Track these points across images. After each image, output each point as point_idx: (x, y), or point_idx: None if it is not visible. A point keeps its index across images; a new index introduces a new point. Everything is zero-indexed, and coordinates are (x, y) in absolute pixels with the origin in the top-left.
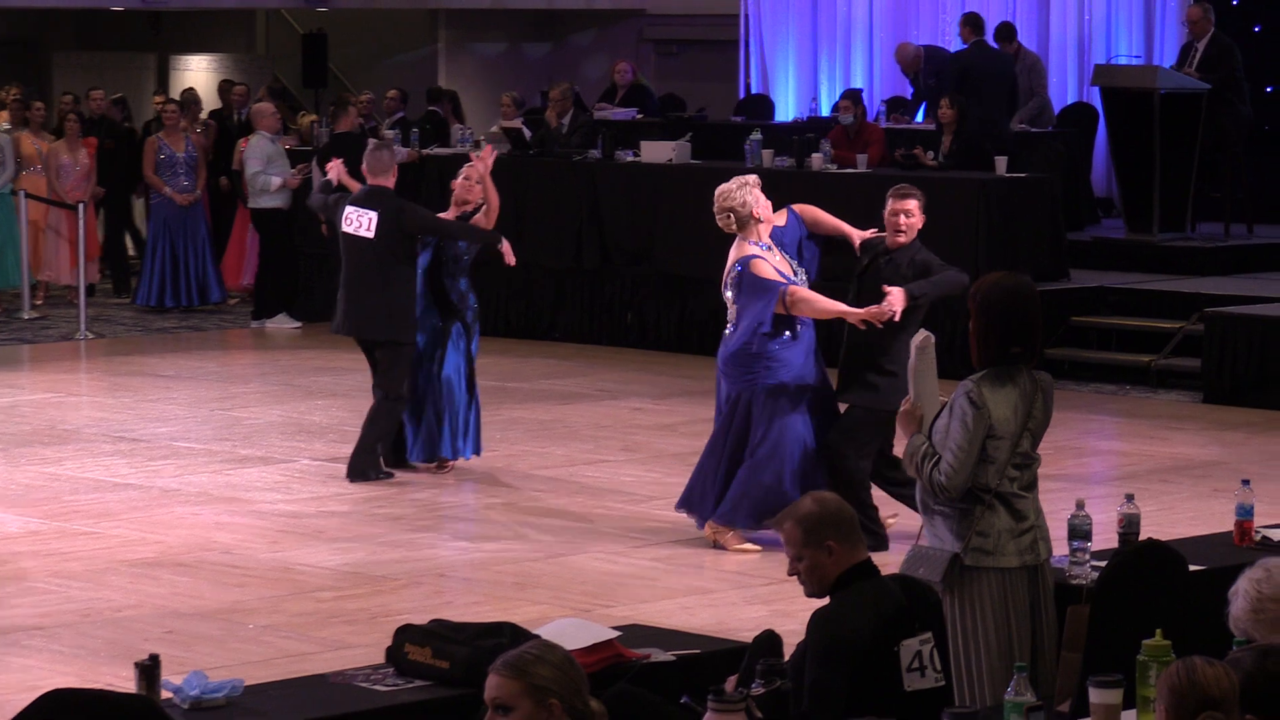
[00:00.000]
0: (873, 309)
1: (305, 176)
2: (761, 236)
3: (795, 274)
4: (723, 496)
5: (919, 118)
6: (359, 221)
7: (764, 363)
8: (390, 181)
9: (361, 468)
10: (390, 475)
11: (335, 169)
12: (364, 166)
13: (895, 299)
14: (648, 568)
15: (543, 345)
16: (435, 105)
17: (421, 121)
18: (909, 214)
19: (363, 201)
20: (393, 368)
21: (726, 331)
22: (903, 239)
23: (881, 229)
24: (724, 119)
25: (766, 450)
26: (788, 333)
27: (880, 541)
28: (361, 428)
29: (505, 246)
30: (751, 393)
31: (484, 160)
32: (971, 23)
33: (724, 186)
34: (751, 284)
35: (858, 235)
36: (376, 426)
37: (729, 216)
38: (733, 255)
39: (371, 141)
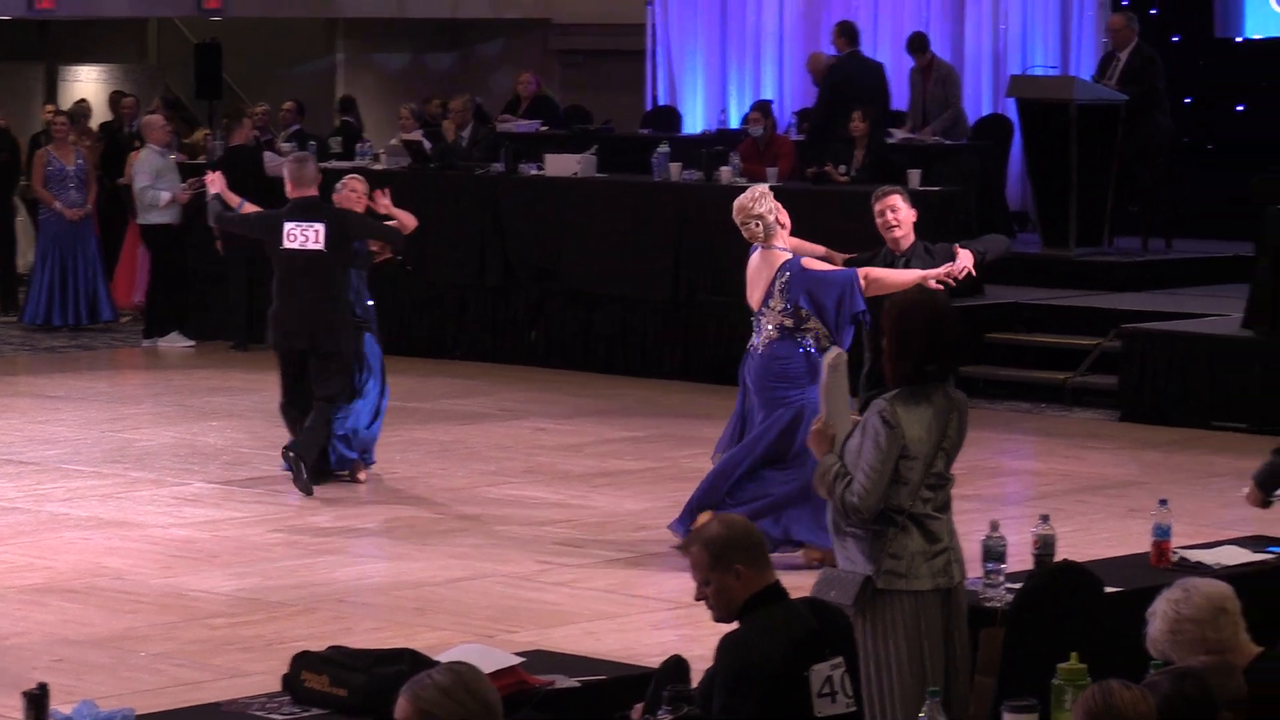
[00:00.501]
0: (947, 266)
1: (196, 191)
2: (786, 243)
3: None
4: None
5: None
6: (304, 235)
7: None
8: (316, 191)
9: (320, 470)
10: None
11: (216, 181)
12: (289, 179)
13: (965, 257)
14: (552, 592)
15: (444, 364)
16: (349, 115)
17: (336, 132)
18: (894, 209)
19: (301, 215)
20: (337, 375)
21: (757, 346)
22: (898, 234)
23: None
24: (631, 131)
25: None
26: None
27: None
28: (305, 437)
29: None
30: (801, 409)
31: (383, 204)
32: (846, 33)
33: (743, 198)
34: (815, 282)
35: (839, 257)
36: (324, 430)
37: (757, 224)
38: (765, 264)
39: (293, 155)
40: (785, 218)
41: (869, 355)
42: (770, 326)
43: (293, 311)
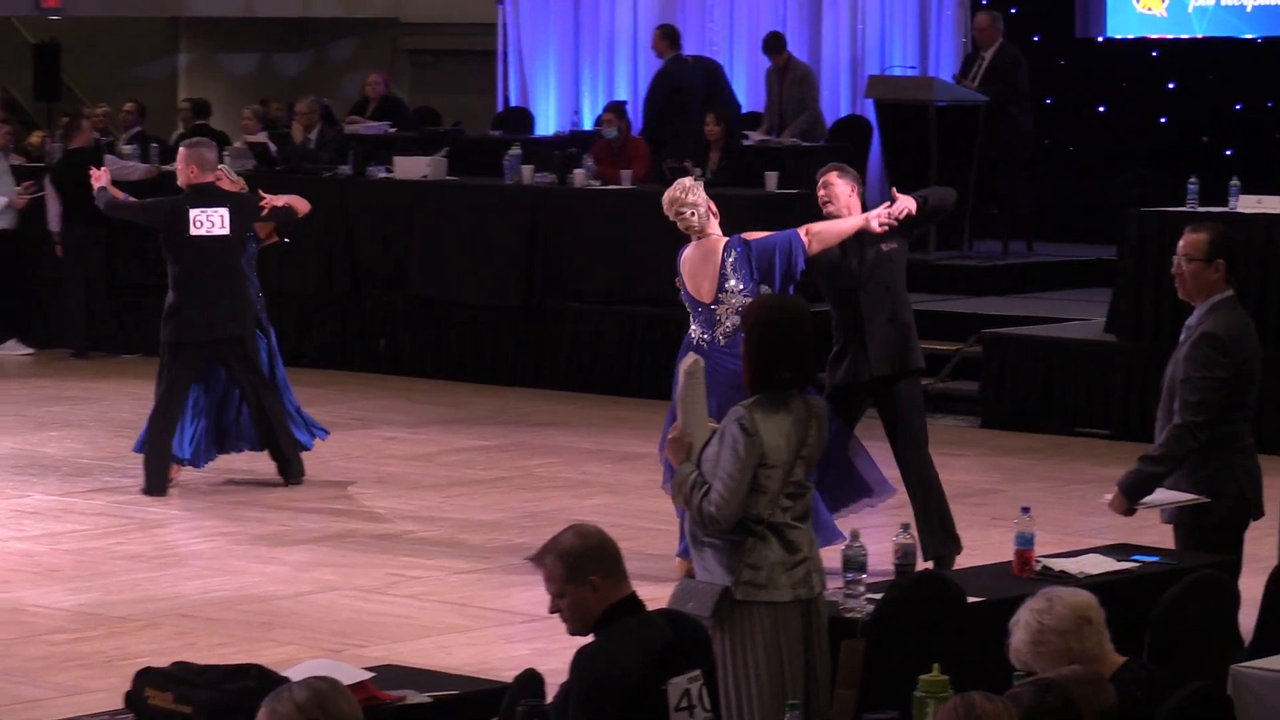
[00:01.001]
0: (886, 206)
1: (33, 195)
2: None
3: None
4: None
5: None
6: (209, 221)
7: None
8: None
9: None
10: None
11: (102, 176)
12: (192, 165)
13: (905, 200)
14: (403, 605)
15: (292, 372)
16: (202, 118)
17: (192, 133)
18: (827, 185)
19: (204, 200)
20: (254, 356)
21: (717, 340)
22: (832, 209)
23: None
24: (482, 133)
25: None
26: None
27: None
28: (264, 428)
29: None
30: None
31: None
32: (669, 35)
33: (673, 190)
34: (758, 248)
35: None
36: (279, 413)
37: (692, 212)
38: (705, 252)
39: (192, 140)
40: (714, 206)
41: (839, 335)
42: (732, 314)
43: (204, 301)
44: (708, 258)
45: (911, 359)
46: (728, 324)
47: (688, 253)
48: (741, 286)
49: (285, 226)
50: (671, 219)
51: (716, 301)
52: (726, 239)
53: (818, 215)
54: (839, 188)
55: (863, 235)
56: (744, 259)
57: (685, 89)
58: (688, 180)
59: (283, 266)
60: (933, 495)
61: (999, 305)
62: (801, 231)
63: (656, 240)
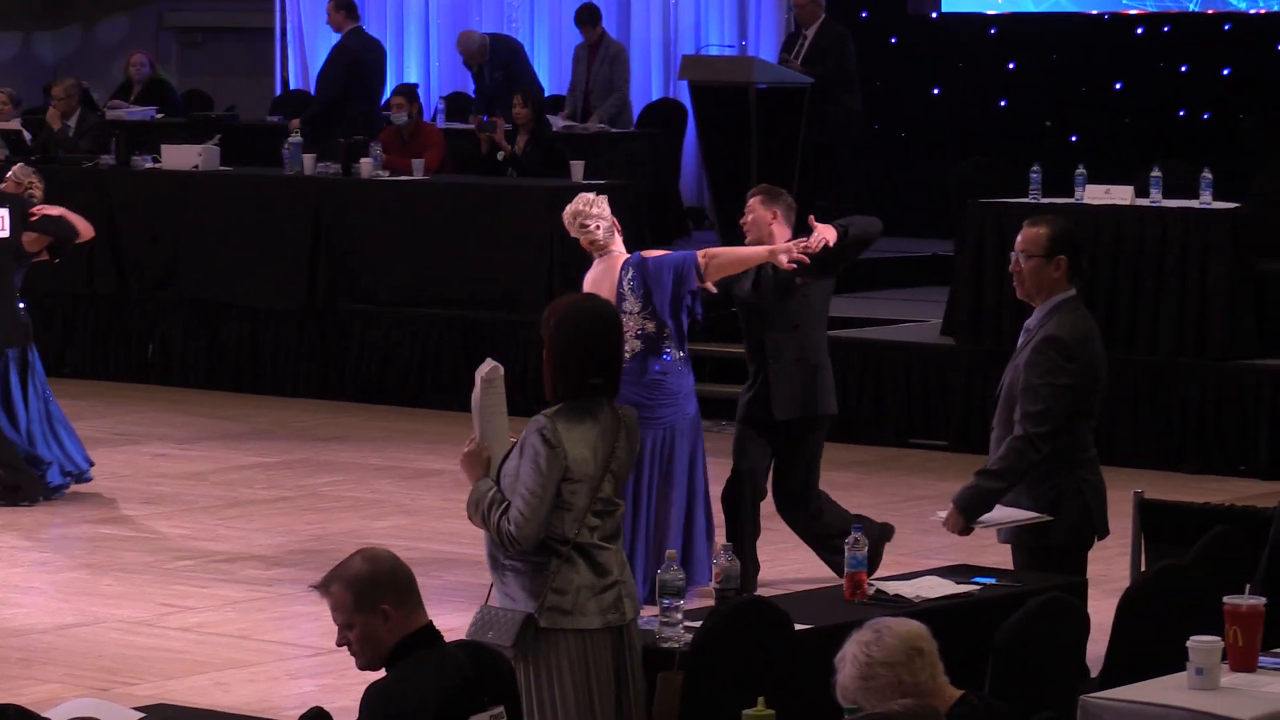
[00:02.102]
0: (800, 240)
1: None
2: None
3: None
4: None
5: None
6: None
7: (683, 388)
8: None
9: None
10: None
11: None
12: None
13: (823, 229)
14: (177, 639)
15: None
16: None
17: None
18: (749, 208)
19: None
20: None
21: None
22: (750, 237)
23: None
24: (258, 118)
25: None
26: (680, 352)
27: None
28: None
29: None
30: (674, 428)
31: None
32: (344, 6)
33: (576, 203)
34: (654, 267)
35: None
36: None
37: (596, 226)
38: (607, 270)
39: None
40: (618, 223)
41: (749, 368)
42: (631, 337)
43: None
44: (607, 276)
45: (816, 405)
46: (626, 347)
47: (591, 272)
48: (639, 308)
49: (60, 245)
50: (574, 234)
51: None
52: (626, 256)
53: (625, 208)
54: (759, 214)
55: (775, 267)
56: (640, 278)
57: (364, 65)
58: (590, 194)
59: (41, 265)
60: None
61: None
62: (700, 255)
63: (453, 237)
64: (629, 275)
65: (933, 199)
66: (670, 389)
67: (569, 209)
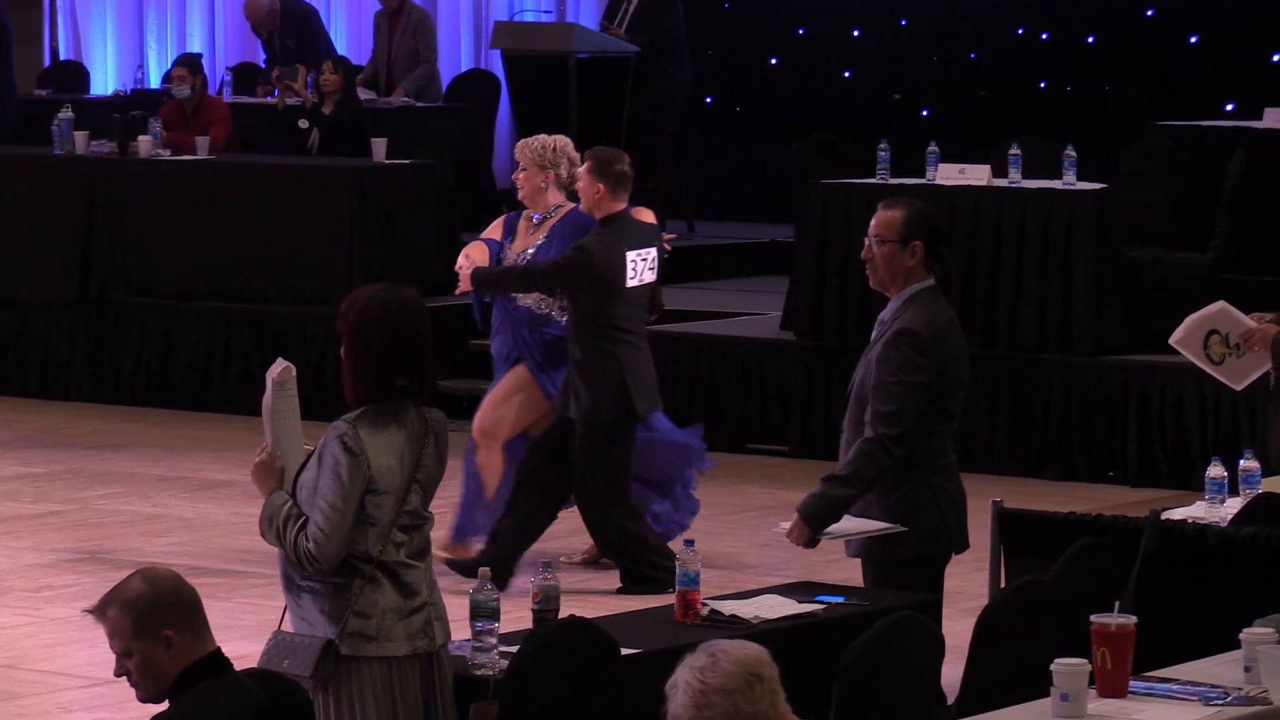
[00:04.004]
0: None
1: None
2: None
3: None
4: None
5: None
6: None
7: None
8: None
9: None
10: None
11: None
12: None
13: (465, 276)
14: None
15: None
16: None
17: None
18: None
19: None
20: None
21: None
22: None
23: None
24: (25, 93)
25: None
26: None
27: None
28: None
29: None
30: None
31: None
32: None
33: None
34: None
35: None
36: None
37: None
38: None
39: None
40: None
41: None
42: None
43: None
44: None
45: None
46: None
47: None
48: None
49: None
50: (560, 170)
51: None
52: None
53: (434, 189)
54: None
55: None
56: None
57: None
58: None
59: None
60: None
61: None
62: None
63: (242, 222)
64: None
65: (770, 179)
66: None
67: (556, 143)
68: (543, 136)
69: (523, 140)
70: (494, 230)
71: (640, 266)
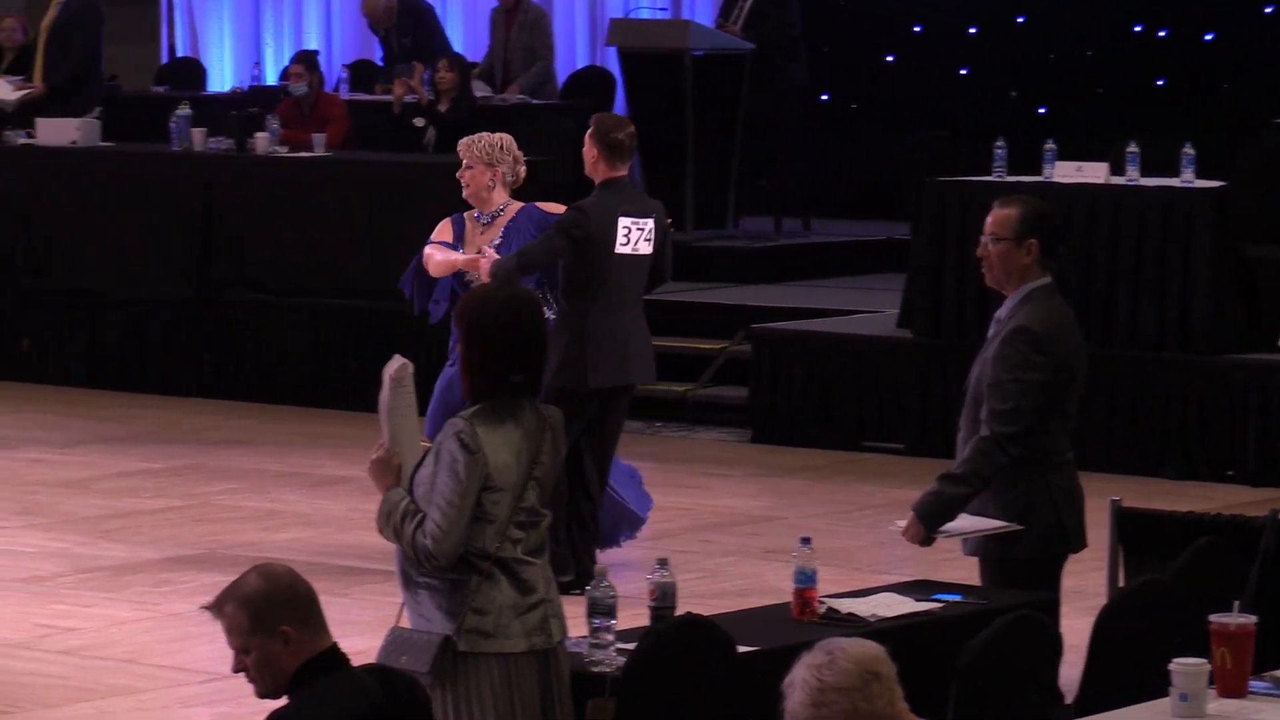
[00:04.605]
0: (474, 257)
1: None
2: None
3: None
4: None
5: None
6: None
7: None
8: None
9: None
10: None
11: None
12: None
13: (484, 266)
14: (57, 664)
15: None
16: None
17: None
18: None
19: None
20: None
21: None
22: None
23: None
24: (143, 89)
25: None
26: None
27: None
28: None
29: None
30: None
31: None
32: None
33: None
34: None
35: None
36: None
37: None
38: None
39: None
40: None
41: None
42: None
43: None
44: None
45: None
46: None
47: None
48: None
49: None
50: (503, 168)
51: None
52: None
53: (548, 187)
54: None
55: None
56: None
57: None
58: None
59: None
60: None
61: (770, 295)
62: (425, 253)
63: (358, 220)
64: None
65: (886, 177)
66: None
67: (503, 141)
68: (488, 134)
69: (468, 138)
70: (443, 233)
71: (635, 235)
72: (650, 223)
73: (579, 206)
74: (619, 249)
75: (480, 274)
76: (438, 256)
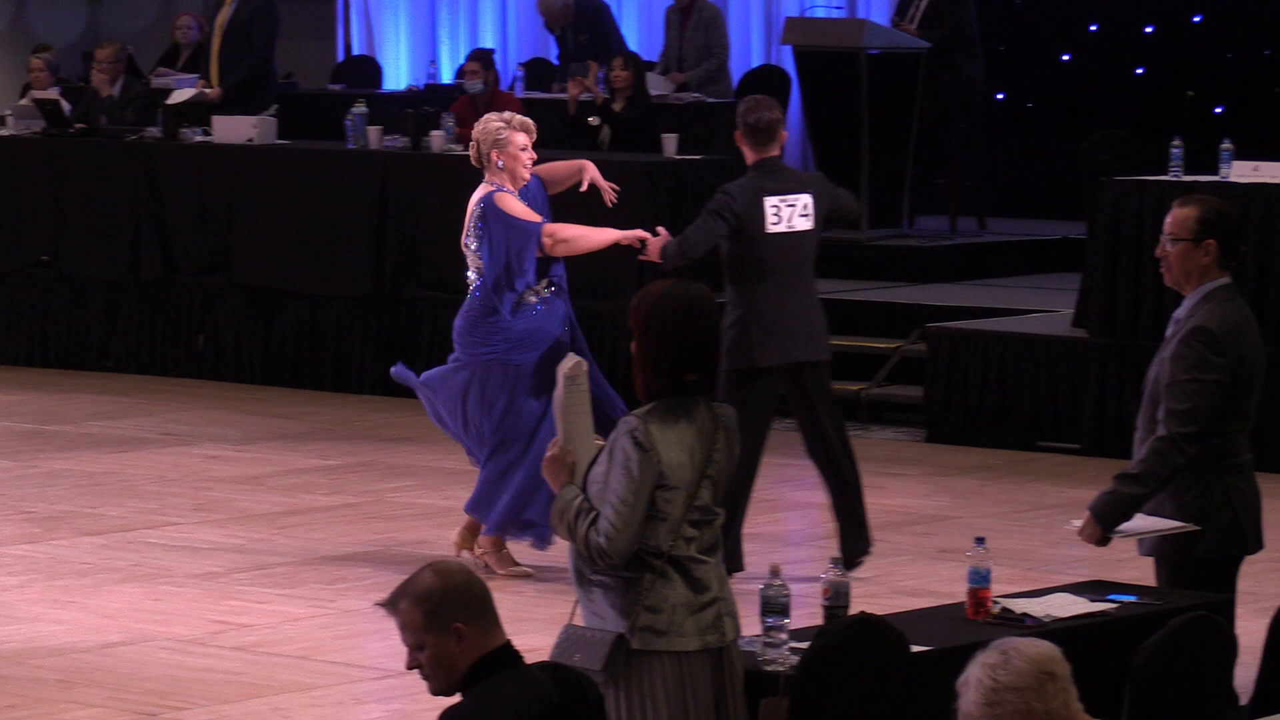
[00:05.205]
0: (644, 234)
1: None
2: (506, 184)
3: None
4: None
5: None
6: None
7: (504, 336)
8: None
9: None
10: None
11: None
12: None
13: (655, 246)
14: (231, 659)
15: (92, 377)
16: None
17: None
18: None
19: None
20: None
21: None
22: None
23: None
24: (319, 87)
25: (519, 444)
26: (535, 300)
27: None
28: None
29: None
30: (485, 370)
31: None
32: None
33: (490, 114)
34: (499, 222)
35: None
36: None
37: (474, 145)
38: (473, 200)
39: None
40: (510, 158)
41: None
42: (472, 272)
43: None
44: (471, 202)
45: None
46: (469, 280)
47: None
48: (475, 247)
49: None
50: (487, 148)
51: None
52: (484, 194)
53: (713, 183)
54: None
55: None
56: (484, 225)
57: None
58: (509, 117)
59: (81, 249)
60: None
61: (946, 294)
62: (547, 231)
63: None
64: (477, 213)
65: (1062, 176)
66: (467, 325)
67: (501, 116)
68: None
69: (508, 114)
70: (529, 211)
71: (786, 212)
72: (805, 198)
73: (725, 189)
74: (770, 228)
75: (650, 254)
76: (590, 234)
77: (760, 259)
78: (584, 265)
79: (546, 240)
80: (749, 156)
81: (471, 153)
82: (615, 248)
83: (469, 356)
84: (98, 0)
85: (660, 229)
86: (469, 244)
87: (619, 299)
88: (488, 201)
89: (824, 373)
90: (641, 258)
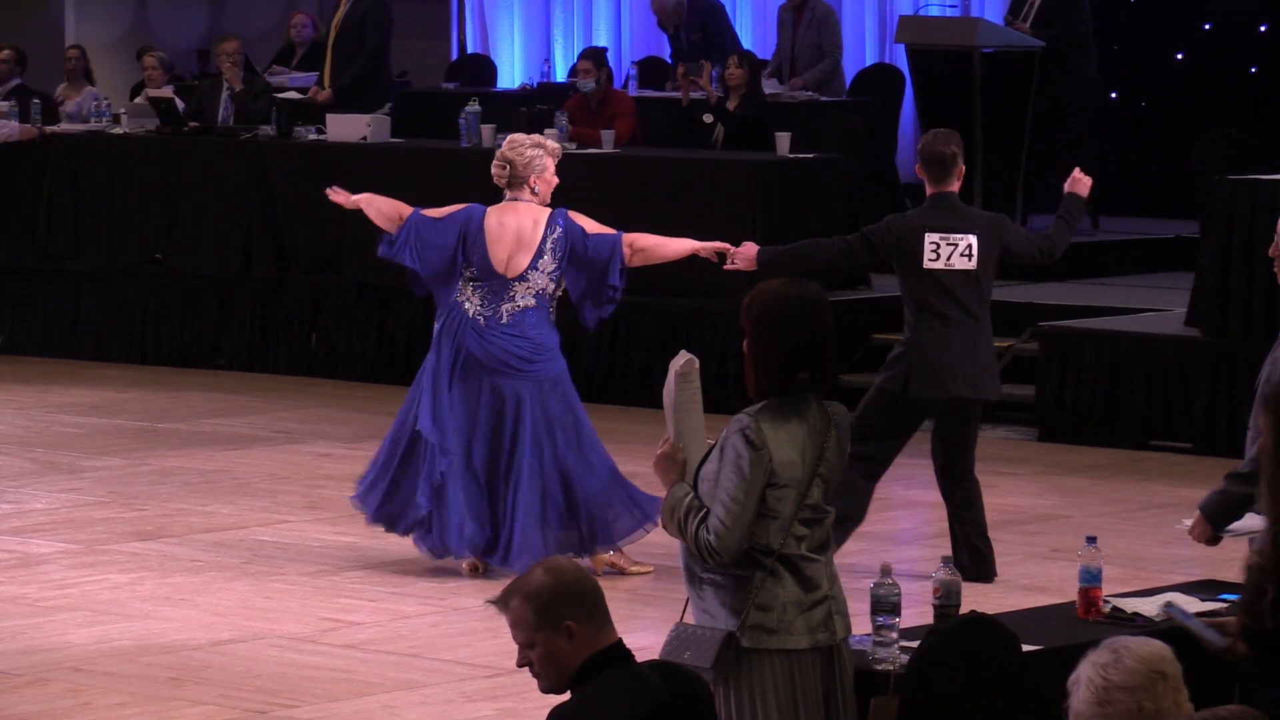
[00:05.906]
0: (724, 245)
1: None
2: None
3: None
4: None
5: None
6: None
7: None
8: None
9: None
10: None
11: None
12: None
13: (743, 254)
14: (342, 657)
15: (204, 374)
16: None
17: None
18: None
19: None
20: None
21: (499, 316)
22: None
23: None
24: (433, 85)
25: (596, 452)
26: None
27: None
28: None
29: None
30: (539, 385)
31: None
32: None
33: (518, 134)
34: (594, 244)
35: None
36: None
37: (505, 166)
38: (518, 219)
39: None
40: (545, 183)
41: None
42: (529, 295)
43: None
44: (520, 224)
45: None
46: (520, 302)
47: (496, 216)
48: (554, 269)
49: None
50: (517, 159)
51: (522, 279)
52: (551, 210)
53: (836, 185)
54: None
55: None
56: (567, 243)
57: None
58: (539, 140)
59: (194, 247)
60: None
61: (1059, 293)
62: (626, 241)
63: (646, 215)
64: (554, 233)
65: (1175, 175)
66: (549, 343)
67: (510, 136)
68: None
69: (528, 137)
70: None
71: (945, 250)
72: (969, 239)
73: (887, 218)
74: (928, 264)
75: (742, 263)
76: (667, 244)
77: (920, 293)
78: (695, 264)
79: (625, 250)
80: (927, 189)
81: (497, 172)
82: (694, 258)
83: (557, 370)
84: (218, 1)
85: (747, 243)
86: (542, 265)
87: (731, 298)
88: (566, 220)
89: (968, 411)
90: (727, 268)
